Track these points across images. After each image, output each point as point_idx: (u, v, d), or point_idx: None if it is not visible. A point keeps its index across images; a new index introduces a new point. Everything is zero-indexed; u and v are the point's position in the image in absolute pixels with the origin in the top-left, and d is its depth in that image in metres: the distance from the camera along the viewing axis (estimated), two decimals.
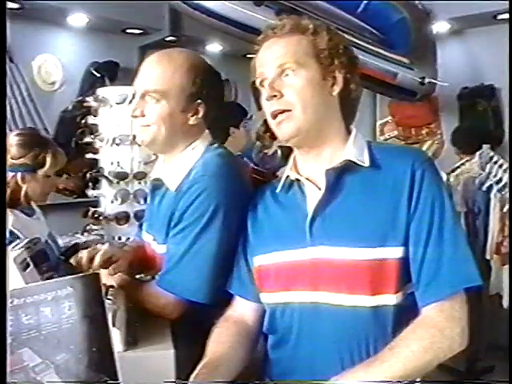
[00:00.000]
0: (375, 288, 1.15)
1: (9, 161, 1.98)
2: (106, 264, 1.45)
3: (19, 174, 2.03)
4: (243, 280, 1.35)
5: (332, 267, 1.17)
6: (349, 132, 1.29)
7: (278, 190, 1.31)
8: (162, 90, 1.43)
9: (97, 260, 1.44)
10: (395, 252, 1.15)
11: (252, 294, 1.33)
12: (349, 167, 1.21)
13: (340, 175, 1.21)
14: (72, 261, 1.51)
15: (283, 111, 1.22)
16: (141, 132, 1.49)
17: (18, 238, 1.94)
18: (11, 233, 1.94)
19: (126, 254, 1.56)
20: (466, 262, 1.15)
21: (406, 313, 1.16)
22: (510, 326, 3.29)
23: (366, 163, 1.21)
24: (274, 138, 1.40)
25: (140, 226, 1.79)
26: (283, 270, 1.25)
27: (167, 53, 1.50)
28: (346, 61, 1.25)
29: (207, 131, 1.55)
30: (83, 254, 1.46)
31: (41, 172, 2.08)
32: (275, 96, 1.21)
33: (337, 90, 1.24)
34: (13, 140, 2.03)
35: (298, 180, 1.27)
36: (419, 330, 1.11)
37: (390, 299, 1.16)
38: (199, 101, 1.47)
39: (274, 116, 1.23)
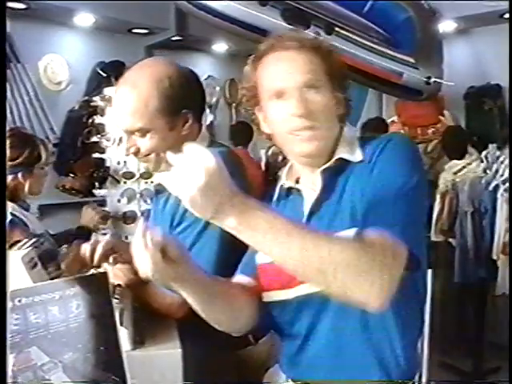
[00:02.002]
0: None
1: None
2: (107, 254, 1.44)
3: (20, 174, 2.11)
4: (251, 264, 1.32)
5: None
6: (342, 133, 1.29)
7: (274, 199, 1.32)
8: (142, 127, 1.41)
9: (99, 250, 1.43)
10: None
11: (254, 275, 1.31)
12: (342, 165, 1.22)
13: (334, 174, 1.23)
14: (67, 248, 1.52)
15: (309, 128, 1.20)
16: (145, 162, 1.50)
17: (24, 222, 2.03)
18: (14, 216, 2.05)
19: (128, 247, 1.57)
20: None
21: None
22: (510, 327, 3.28)
23: (358, 158, 1.22)
24: None
25: None
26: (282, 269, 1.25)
27: (133, 82, 1.42)
28: (335, 82, 1.24)
29: (204, 131, 1.54)
30: (86, 247, 1.46)
31: (38, 166, 2.17)
32: (302, 113, 1.18)
33: (341, 110, 1.25)
34: None
35: (293, 187, 1.29)
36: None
37: None
38: (184, 110, 1.44)
39: (297, 131, 1.21)
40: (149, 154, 1.45)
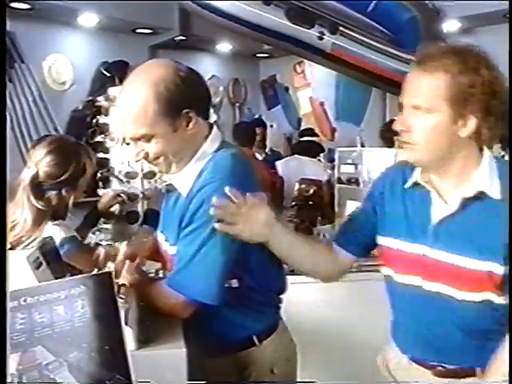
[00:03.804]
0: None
1: (48, 181, 1.92)
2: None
3: (64, 190, 1.97)
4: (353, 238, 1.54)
5: (438, 266, 1.34)
6: (481, 155, 1.34)
7: (406, 186, 1.42)
8: (145, 133, 1.40)
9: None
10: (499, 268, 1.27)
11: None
12: (480, 195, 1.30)
13: (472, 201, 1.31)
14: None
15: (407, 143, 1.33)
16: (156, 166, 1.49)
17: (76, 238, 1.96)
18: (74, 237, 1.95)
19: (143, 253, 1.58)
20: None
21: None
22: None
23: (497, 196, 1.29)
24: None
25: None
26: (404, 256, 1.41)
27: (130, 90, 1.41)
28: (482, 106, 1.29)
29: (216, 130, 1.53)
30: (100, 252, 1.47)
31: (83, 179, 2.03)
32: (403, 130, 1.33)
33: (466, 133, 1.29)
34: (46, 159, 1.93)
35: (423, 186, 1.38)
36: None
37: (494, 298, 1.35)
38: (185, 110, 1.41)
39: (400, 142, 1.36)
40: (158, 158, 1.45)
